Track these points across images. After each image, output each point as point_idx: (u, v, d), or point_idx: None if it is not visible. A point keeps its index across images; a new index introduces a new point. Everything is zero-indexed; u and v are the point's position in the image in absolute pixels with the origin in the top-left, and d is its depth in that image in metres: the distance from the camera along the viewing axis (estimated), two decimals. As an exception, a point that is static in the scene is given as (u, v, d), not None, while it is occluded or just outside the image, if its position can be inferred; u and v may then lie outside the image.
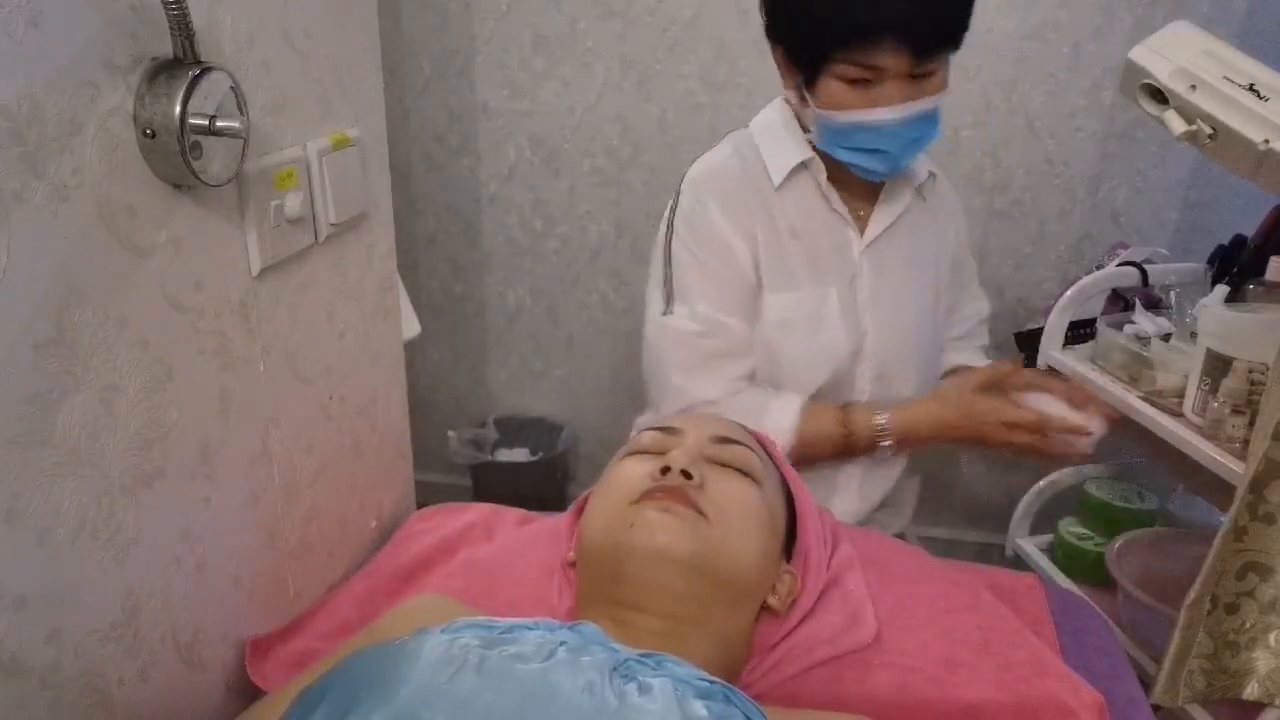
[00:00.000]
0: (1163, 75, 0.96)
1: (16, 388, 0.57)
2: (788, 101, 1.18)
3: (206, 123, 0.66)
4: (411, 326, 1.20)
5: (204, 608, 0.78)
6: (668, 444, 0.83)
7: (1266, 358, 1.06)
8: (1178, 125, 0.96)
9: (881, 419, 1.12)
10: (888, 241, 1.19)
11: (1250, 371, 1.08)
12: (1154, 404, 1.25)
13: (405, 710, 0.56)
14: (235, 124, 0.67)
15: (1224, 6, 1.86)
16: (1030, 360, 1.57)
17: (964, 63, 1.95)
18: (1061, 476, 1.68)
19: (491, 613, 0.73)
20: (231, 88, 0.69)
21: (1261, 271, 1.24)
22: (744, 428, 0.92)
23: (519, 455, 2.40)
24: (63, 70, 0.58)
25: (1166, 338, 1.32)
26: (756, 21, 1.14)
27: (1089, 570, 1.52)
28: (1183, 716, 1.18)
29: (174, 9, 0.62)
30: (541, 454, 2.37)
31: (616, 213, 2.25)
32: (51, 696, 0.62)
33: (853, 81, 1.03)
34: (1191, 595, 1.01)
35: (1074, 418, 1.08)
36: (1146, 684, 0.98)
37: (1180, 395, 1.22)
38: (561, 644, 0.63)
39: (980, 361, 1.34)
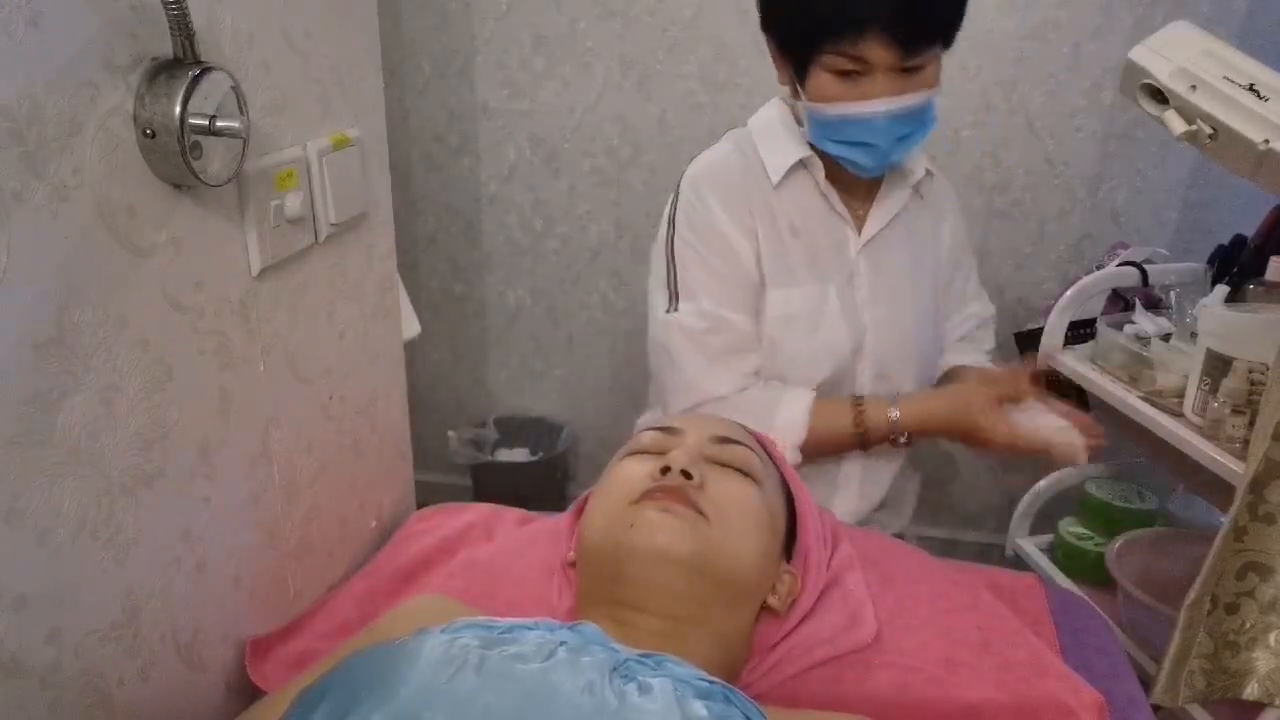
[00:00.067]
0: (1163, 75, 0.96)
1: (16, 388, 0.57)
2: (786, 100, 1.19)
3: (206, 123, 0.66)
4: (411, 326, 1.19)
5: (204, 608, 0.78)
6: (668, 444, 0.83)
7: (1266, 358, 1.06)
8: (1178, 125, 0.96)
9: (895, 413, 1.12)
10: (885, 240, 1.19)
11: (1250, 371, 1.08)
12: (1154, 404, 1.25)
13: (405, 710, 0.56)
14: (235, 124, 0.67)
15: (1224, 6, 1.86)
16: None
17: (964, 63, 1.97)
18: (1061, 476, 1.68)
19: (491, 613, 0.73)
20: (232, 88, 0.69)
21: (1261, 271, 1.24)
22: (744, 428, 0.92)
23: (519, 455, 2.40)
24: (63, 70, 0.58)
25: (1166, 338, 1.32)
26: (756, 21, 1.14)
27: (1089, 570, 1.52)
28: (1183, 716, 1.18)
29: (174, 9, 0.62)
30: (541, 454, 2.37)
31: (616, 213, 2.25)
32: (51, 696, 0.62)
33: (842, 74, 1.03)
34: (1191, 595, 1.01)
35: (1072, 438, 1.08)
36: (1146, 684, 0.98)
37: (1180, 395, 1.22)
38: (561, 644, 0.63)
39: (986, 365, 1.33)
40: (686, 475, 0.77)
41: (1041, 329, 1.50)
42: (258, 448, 0.83)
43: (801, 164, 1.15)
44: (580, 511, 0.93)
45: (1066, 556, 1.58)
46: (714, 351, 1.14)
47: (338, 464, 0.98)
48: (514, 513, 1.10)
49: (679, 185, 1.19)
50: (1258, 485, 0.96)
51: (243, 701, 0.81)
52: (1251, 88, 0.92)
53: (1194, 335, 1.20)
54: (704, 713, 0.59)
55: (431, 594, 0.89)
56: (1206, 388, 1.15)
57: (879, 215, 1.19)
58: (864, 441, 1.15)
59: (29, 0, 0.55)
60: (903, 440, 1.15)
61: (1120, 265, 1.51)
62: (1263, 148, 0.90)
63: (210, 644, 0.79)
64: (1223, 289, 1.25)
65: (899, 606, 0.89)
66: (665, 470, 0.77)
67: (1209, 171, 1.96)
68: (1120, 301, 1.54)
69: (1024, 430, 1.08)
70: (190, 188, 0.70)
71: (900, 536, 1.30)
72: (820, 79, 1.04)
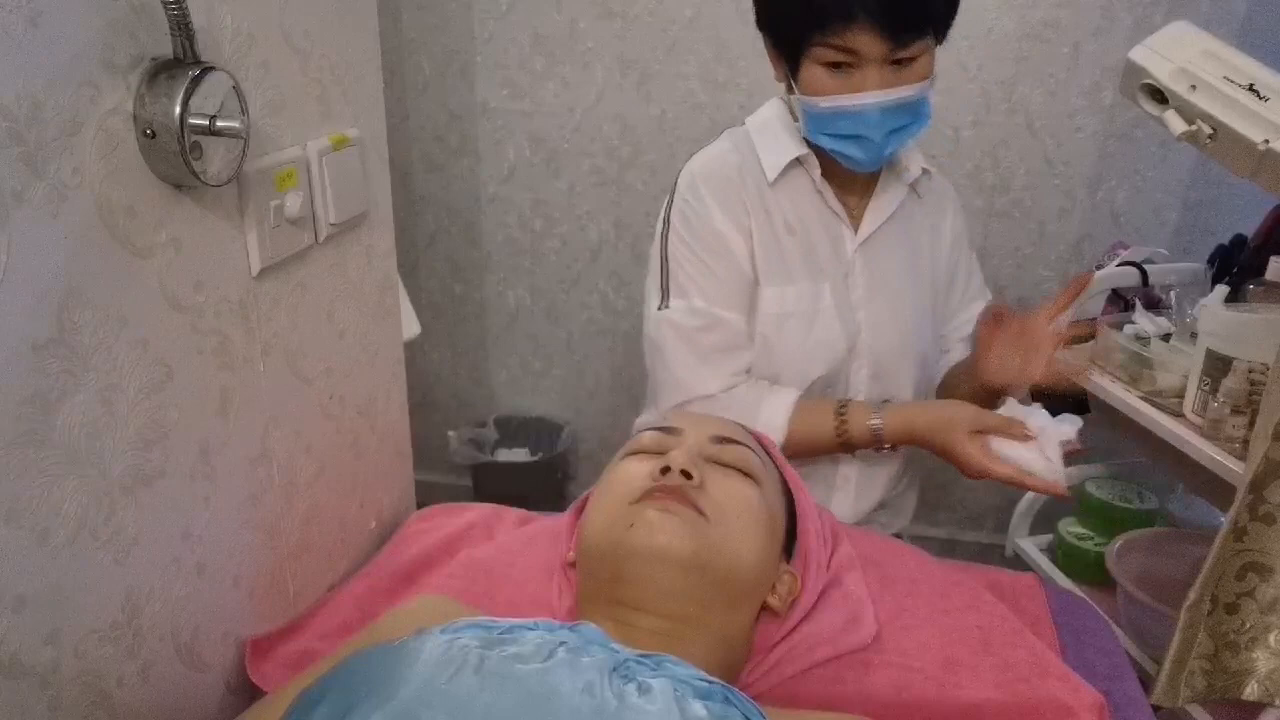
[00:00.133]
0: (1163, 75, 0.96)
1: (16, 388, 0.57)
2: (783, 99, 1.19)
3: (206, 123, 0.66)
4: (411, 326, 1.19)
5: (204, 608, 0.78)
6: (668, 444, 0.83)
7: (1266, 358, 1.06)
8: (1178, 125, 0.96)
9: (877, 421, 1.12)
10: (882, 239, 1.19)
11: (1250, 371, 1.08)
12: (1154, 404, 1.25)
13: (405, 710, 0.56)
14: (235, 124, 0.67)
15: (1224, 6, 1.87)
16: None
17: (964, 63, 1.97)
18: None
19: (491, 613, 0.73)
20: (232, 88, 0.69)
21: (1261, 271, 1.24)
22: (744, 428, 0.92)
23: (519, 455, 2.41)
24: (63, 70, 0.58)
25: (1166, 338, 1.31)
26: (755, 20, 1.14)
27: (1089, 570, 1.52)
28: (1183, 716, 1.18)
29: (174, 9, 0.62)
30: (541, 454, 2.37)
31: (616, 213, 2.25)
32: (51, 696, 0.62)
33: (832, 66, 1.03)
34: (1191, 596, 1.01)
35: (1049, 476, 1.05)
36: (1146, 684, 0.98)
37: (1180, 395, 1.22)
38: (561, 644, 0.63)
39: None
40: (686, 475, 0.77)
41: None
42: (258, 448, 0.83)
43: (798, 162, 1.15)
44: (580, 511, 0.93)
45: (1066, 556, 1.58)
46: (704, 349, 1.14)
47: (337, 464, 0.98)
48: (514, 513, 1.10)
49: (675, 183, 1.19)
50: (1258, 485, 0.96)
51: (243, 701, 0.81)
52: (1251, 88, 0.92)
53: (1194, 335, 1.20)
54: (703, 713, 0.59)
55: (431, 594, 0.89)
56: (1206, 388, 1.15)
57: (875, 214, 1.19)
58: (846, 446, 1.14)
59: (29, 0, 0.55)
60: (885, 448, 1.15)
61: (1120, 265, 1.51)
62: (1263, 148, 0.90)
63: (210, 644, 0.79)
64: (1223, 289, 1.25)
65: (899, 606, 0.89)
66: (665, 470, 0.77)
67: (1209, 171, 1.96)
68: (1120, 301, 1.54)
69: (1000, 467, 1.05)
70: (190, 188, 0.70)
71: (899, 536, 1.30)
72: (812, 71, 1.05)
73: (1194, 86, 0.94)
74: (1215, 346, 1.12)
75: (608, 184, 2.22)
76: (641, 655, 0.64)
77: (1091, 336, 1.24)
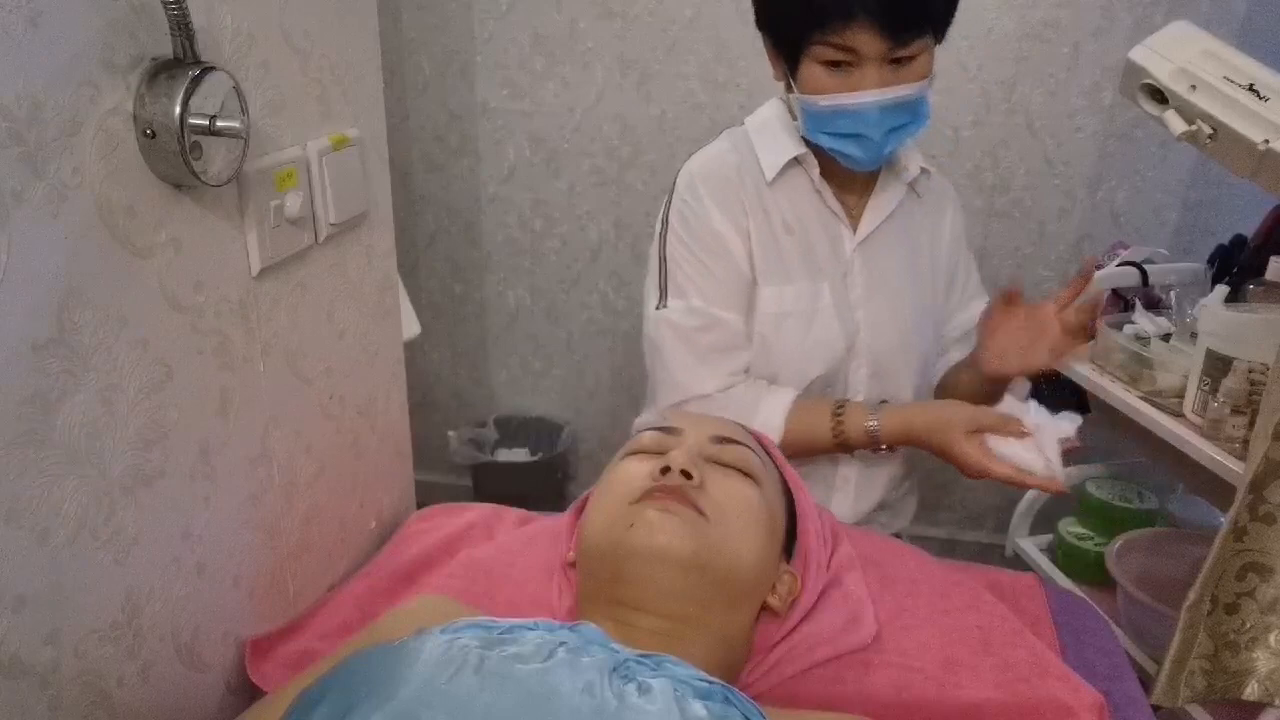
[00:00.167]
0: (1163, 75, 0.96)
1: (16, 388, 0.57)
2: (783, 99, 1.19)
3: (206, 123, 0.66)
4: (411, 326, 1.19)
5: (204, 608, 0.78)
6: (668, 444, 0.83)
7: (1266, 358, 1.06)
8: (1178, 125, 0.96)
9: (874, 422, 1.11)
10: (881, 238, 1.19)
11: (1250, 371, 1.08)
12: (1154, 404, 1.25)
13: (405, 710, 0.56)
14: (235, 124, 0.67)
15: (1224, 6, 1.87)
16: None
17: (964, 63, 1.97)
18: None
19: (491, 613, 0.73)
20: (232, 88, 0.69)
21: (1261, 271, 1.24)
22: (744, 428, 0.92)
23: (519, 455, 2.41)
24: (63, 70, 0.58)
25: (1166, 338, 1.31)
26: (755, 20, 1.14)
27: (1089, 570, 1.52)
28: (1183, 716, 1.18)
29: (174, 9, 0.62)
30: (541, 454, 2.37)
31: (616, 213, 2.25)
32: (51, 696, 0.62)
33: (831, 65, 1.03)
34: (1191, 596, 1.01)
35: (1045, 472, 1.05)
36: (1146, 684, 0.98)
37: (1180, 395, 1.22)
38: (561, 644, 0.63)
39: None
40: (686, 475, 0.77)
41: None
42: (258, 448, 0.83)
43: (796, 161, 1.15)
44: (580, 511, 0.93)
45: (1066, 556, 1.58)
46: (702, 349, 1.14)
47: (337, 464, 0.98)
48: (514, 513, 1.10)
49: (674, 183, 1.19)
50: (1258, 485, 0.96)
51: (243, 701, 0.81)
52: (1251, 88, 0.92)
53: (1194, 335, 1.20)
54: (703, 713, 0.59)
55: (432, 594, 0.89)
56: (1206, 388, 1.15)
57: (874, 213, 1.19)
58: (843, 447, 1.14)
59: (29, 0, 0.55)
60: (883, 448, 1.15)
61: (1120, 265, 1.51)
62: (1263, 148, 0.90)
63: (210, 644, 0.79)
64: (1223, 289, 1.25)
65: (899, 606, 0.89)
66: (665, 470, 0.77)
67: (1209, 171, 1.96)
68: (1120, 301, 1.53)
69: (998, 466, 1.05)
70: (190, 188, 0.70)
71: (898, 536, 1.30)
72: (811, 70, 1.05)
73: (1194, 86, 0.94)
74: (1215, 346, 1.12)
75: (608, 184, 2.22)
76: (641, 655, 0.64)
77: (1092, 332, 1.23)
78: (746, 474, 0.82)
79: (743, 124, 1.22)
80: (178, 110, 0.64)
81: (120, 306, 0.65)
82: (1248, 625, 1.00)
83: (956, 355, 1.30)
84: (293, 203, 0.82)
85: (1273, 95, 0.91)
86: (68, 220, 0.60)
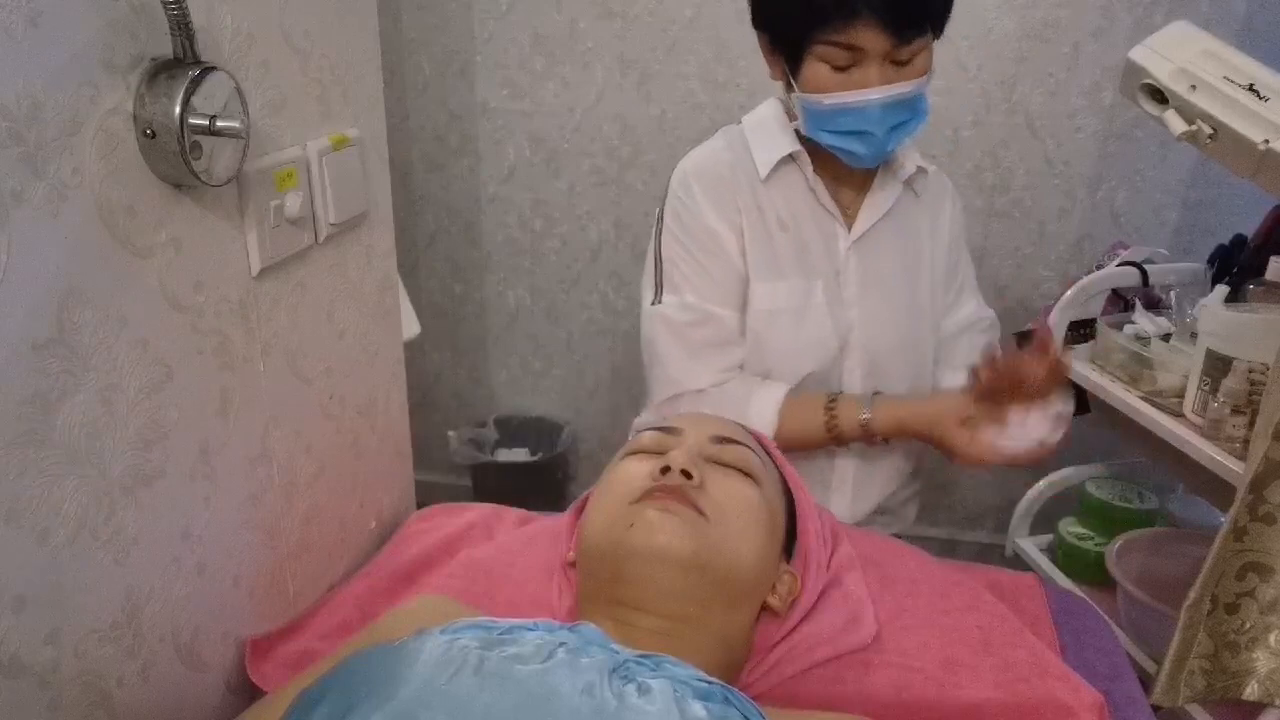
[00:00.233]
0: (1163, 75, 0.96)
1: (16, 388, 0.57)
2: (780, 98, 1.19)
3: (206, 123, 0.66)
4: (411, 326, 1.19)
5: (204, 608, 0.78)
6: (668, 444, 0.83)
7: (1266, 358, 1.06)
8: (1178, 125, 0.96)
9: (867, 414, 1.12)
10: (876, 237, 1.19)
11: (1250, 371, 1.08)
12: (1154, 404, 1.25)
13: (404, 711, 0.56)
14: (235, 124, 0.67)
15: (1224, 7, 1.87)
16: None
17: (964, 62, 1.97)
18: (1061, 476, 1.68)
19: (491, 613, 0.73)
20: (232, 88, 0.69)
21: (1261, 271, 1.24)
22: (744, 427, 0.92)
23: (519, 455, 2.40)
24: (63, 70, 0.58)
25: (1166, 338, 1.32)
26: (753, 20, 1.14)
27: (1089, 570, 1.52)
28: (1183, 716, 1.18)
29: (174, 9, 0.62)
30: (541, 454, 2.37)
31: (616, 213, 2.25)
32: (51, 696, 0.62)
33: (834, 64, 1.03)
34: (1191, 596, 1.01)
35: (1048, 439, 1.05)
36: (1146, 684, 0.98)
37: (1180, 395, 1.22)
38: (561, 645, 0.63)
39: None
40: (686, 475, 0.77)
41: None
42: (258, 448, 0.83)
43: (791, 158, 1.15)
44: (580, 511, 0.93)
45: (1066, 556, 1.58)
46: (695, 345, 1.15)
47: (337, 464, 0.98)
48: (514, 513, 1.10)
49: (670, 181, 1.20)
50: (1258, 485, 0.96)
51: (243, 701, 0.81)
52: (1251, 88, 0.92)
53: (1194, 335, 1.20)
54: (703, 713, 0.59)
55: (432, 594, 0.89)
56: (1206, 388, 1.15)
57: (870, 211, 1.19)
58: (836, 440, 1.15)
59: (29, 0, 0.55)
60: (878, 441, 1.15)
61: (1120, 265, 1.51)
62: (1263, 148, 0.90)
63: (210, 644, 0.79)
64: (1223, 289, 1.25)
65: (899, 606, 0.89)
66: (665, 470, 0.77)
67: (1209, 171, 1.96)
68: (1120, 301, 1.54)
69: (990, 453, 1.05)
70: (190, 188, 0.70)
71: (898, 536, 1.30)
72: (813, 69, 1.05)
73: (1194, 86, 0.94)
74: (1215, 346, 1.12)
75: (608, 184, 2.22)
76: (641, 656, 0.64)
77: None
78: (746, 474, 0.82)
79: (739, 123, 1.22)
80: (178, 110, 0.64)
81: (120, 306, 0.65)
82: (1248, 625, 1.00)
83: (948, 379, 1.26)
84: (293, 203, 0.82)
85: (1273, 95, 0.91)
86: (68, 220, 0.60)
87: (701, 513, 0.75)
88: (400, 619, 0.76)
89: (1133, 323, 1.38)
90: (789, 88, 1.12)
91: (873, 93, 1.03)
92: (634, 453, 0.85)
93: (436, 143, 2.26)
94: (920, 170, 1.21)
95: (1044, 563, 1.59)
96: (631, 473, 0.80)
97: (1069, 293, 1.46)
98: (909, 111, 1.07)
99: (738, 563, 0.76)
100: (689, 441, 0.83)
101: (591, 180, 2.23)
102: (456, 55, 2.18)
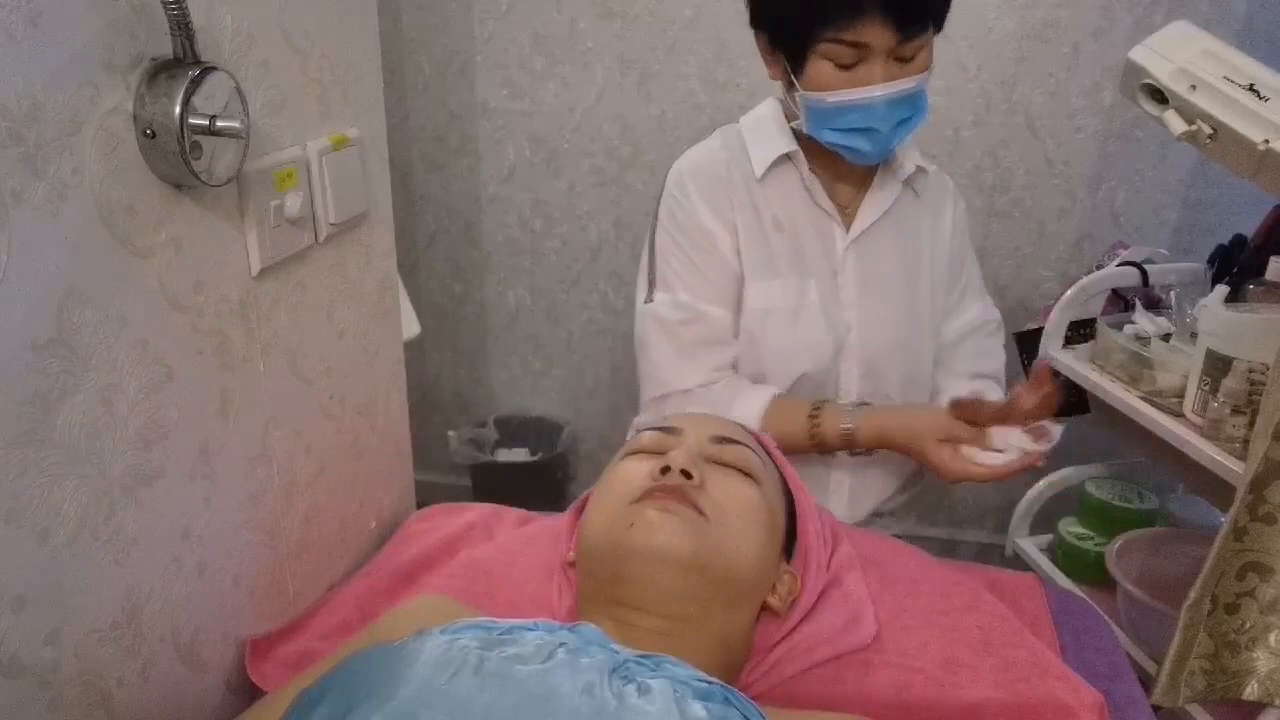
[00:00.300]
0: (1163, 75, 0.96)
1: (16, 388, 0.57)
2: (780, 100, 1.19)
3: (206, 123, 0.66)
4: (411, 326, 1.19)
5: (204, 608, 0.78)
6: (667, 444, 0.83)
7: (1266, 358, 1.06)
8: (1178, 125, 0.96)
9: (849, 424, 1.11)
10: (874, 237, 1.19)
11: (1250, 371, 1.08)
12: (1154, 404, 1.25)
13: (405, 711, 0.56)
14: (235, 124, 0.67)
15: (1224, 6, 1.87)
16: (1030, 360, 1.57)
17: (964, 63, 1.97)
18: (1061, 476, 1.68)
19: (491, 613, 0.73)
20: (232, 88, 0.69)
21: (1261, 271, 1.24)
22: (744, 428, 0.92)
23: (519, 455, 2.40)
24: (63, 70, 0.58)
25: (1166, 338, 1.32)
26: (755, 20, 1.14)
27: (1089, 570, 1.52)
28: (1183, 716, 1.18)
29: (174, 9, 0.62)
30: (541, 454, 2.37)
31: (616, 213, 2.25)
32: (51, 696, 0.62)
33: (839, 61, 1.03)
34: (1191, 596, 1.01)
35: (1030, 450, 1.04)
36: (1146, 684, 0.98)
37: (1180, 395, 1.22)
38: (561, 645, 0.63)
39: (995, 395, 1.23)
40: (686, 475, 0.77)
41: (1041, 329, 1.50)
42: (258, 448, 0.83)
43: (787, 158, 1.15)
44: (580, 511, 0.93)
45: (1066, 556, 1.58)
46: (686, 344, 1.15)
47: (337, 464, 0.98)
48: (514, 513, 1.10)
49: (665, 179, 1.20)
50: (1258, 485, 0.96)
51: (243, 701, 0.81)
52: (1251, 88, 0.92)
53: (1194, 335, 1.20)
54: (703, 713, 0.59)
55: (432, 594, 0.89)
56: (1206, 388, 1.15)
57: (868, 211, 1.18)
58: (819, 447, 1.13)
59: (29, 0, 0.55)
60: (860, 451, 1.14)
61: (1120, 265, 1.51)
62: (1263, 148, 0.90)
63: (210, 644, 0.79)
64: (1223, 289, 1.25)
65: (899, 606, 0.89)
66: (665, 470, 0.77)
67: (1209, 171, 1.96)
68: (1120, 301, 1.54)
69: (974, 468, 1.04)
70: (190, 188, 0.70)
71: (898, 537, 1.30)
72: (817, 67, 1.05)
73: (1194, 86, 0.94)
74: (1215, 346, 1.12)
75: (608, 184, 2.22)
76: (641, 656, 0.64)
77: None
78: (746, 474, 0.82)
79: (737, 122, 1.22)
80: (178, 110, 0.64)
81: (120, 306, 0.65)
82: (1248, 625, 1.00)
83: (951, 387, 1.25)
84: (293, 203, 0.82)
85: (1273, 95, 0.91)
86: (68, 220, 0.60)
87: (701, 513, 0.75)
88: (400, 619, 0.76)
89: (1133, 323, 1.38)
90: (789, 87, 1.11)
91: (877, 89, 1.03)
92: (634, 453, 0.85)
93: (436, 143, 2.26)
94: (920, 170, 1.21)
95: (1044, 563, 1.59)
96: (631, 473, 0.80)
97: (1069, 293, 1.46)
98: (911, 108, 1.07)
99: (738, 563, 0.76)
100: (689, 441, 0.83)
101: (591, 180, 2.23)
102: (456, 55, 2.18)
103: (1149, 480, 1.65)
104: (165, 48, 0.65)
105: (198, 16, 0.66)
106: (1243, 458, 1.05)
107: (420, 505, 1.16)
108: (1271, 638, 0.99)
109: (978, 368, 1.28)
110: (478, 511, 1.09)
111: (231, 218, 0.76)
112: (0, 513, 0.57)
